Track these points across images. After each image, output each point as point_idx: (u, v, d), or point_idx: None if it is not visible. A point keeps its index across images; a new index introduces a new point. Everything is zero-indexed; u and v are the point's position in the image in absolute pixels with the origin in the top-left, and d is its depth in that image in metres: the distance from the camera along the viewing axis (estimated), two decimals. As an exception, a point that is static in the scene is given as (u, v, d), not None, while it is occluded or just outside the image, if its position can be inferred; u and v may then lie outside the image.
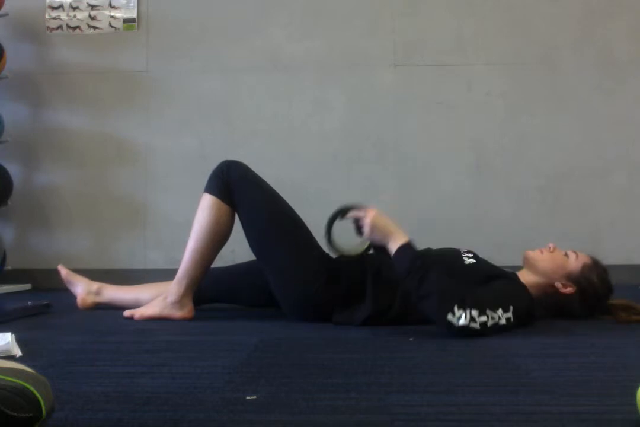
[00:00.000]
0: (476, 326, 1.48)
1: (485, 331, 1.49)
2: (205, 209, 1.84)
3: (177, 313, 1.85)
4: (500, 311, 1.53)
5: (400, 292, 1.70)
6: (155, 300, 1.90)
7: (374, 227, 1.62)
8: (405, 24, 3.16)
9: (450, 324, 1.47)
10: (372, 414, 0.89)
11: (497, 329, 1.52)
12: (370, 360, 1.26)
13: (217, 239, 1.85)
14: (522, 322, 1.62)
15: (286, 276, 1.81)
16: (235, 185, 1.83)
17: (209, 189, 1.86)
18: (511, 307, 1.55)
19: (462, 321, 1.46)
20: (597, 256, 1.82)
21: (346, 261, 1.78)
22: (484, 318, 1.49)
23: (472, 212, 3.06)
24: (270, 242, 1.84)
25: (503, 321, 1.53)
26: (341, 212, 1.68)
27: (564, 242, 1.89)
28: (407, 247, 1.59)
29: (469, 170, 3.10)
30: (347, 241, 1.70)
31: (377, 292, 1.73)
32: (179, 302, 1.85)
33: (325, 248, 1.77)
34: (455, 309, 1.46)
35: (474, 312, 1.48)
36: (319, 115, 3.15)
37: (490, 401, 0.95)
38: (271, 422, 0.86)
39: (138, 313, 1.87)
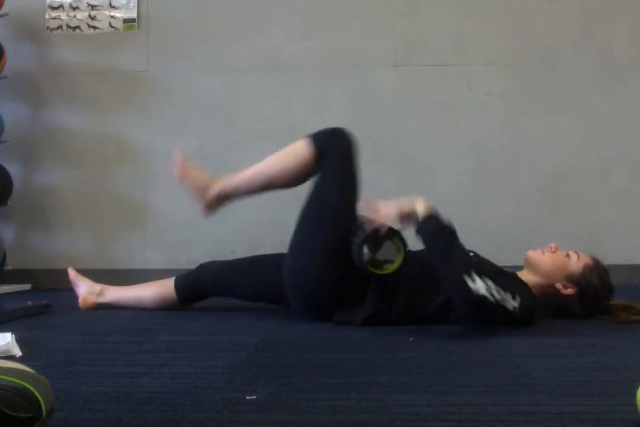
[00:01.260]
0: (486, 293, 1.49)
1: (497, 307, 1.51)
2: (296, 151, 1.84)
3: (207, 198, 1.86)
4: (509, 296, 1.55)
5: (401, 294, 1.70)
6: (211, 178, 1.90)
7: (393, 205, 1.65)
8: (405, 24, 3.16)
9: (465, 286, 1.48)
10: (372, 414, 0.89)
11: (502, 312, 1.53)
12: (370, 360, 1.26)
13: (287, 180, 1.85)
14: (526, 318, 1.63)
15: (306, 262, 1.78)
16: (333, 153, 1.81)
17: (313, 138, 1.84)
18: (519, 298, 1.57)
19: (477, 284, 1.49)
20: (597, 256, 1.82)
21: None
22: (497, 294, 1.51)
23: (472, 212, 3.06)
24: (317, 221, 1.81)
25: (509, 306, 1.54)
26: (370, 238, 1.67)
27: (564, 242, 1.89)
28: (439, 215, 1.64)
29: (469, 170, 3.10)
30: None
31: (377, 294, 1.72)
32: (217, 196, 1.86)
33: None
34: (474, 274, 1.50)
35: (490, 282, 1.51)
36: (319, 115, 3.15)
37: (490, 401, 0.95)
38: (271, 422, 0.86)
39: (183, 159, 1.89)
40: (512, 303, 1.54)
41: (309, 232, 1.81)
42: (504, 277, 1.68)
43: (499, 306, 1.51)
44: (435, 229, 1.60)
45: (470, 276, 1.49)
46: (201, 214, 1.91)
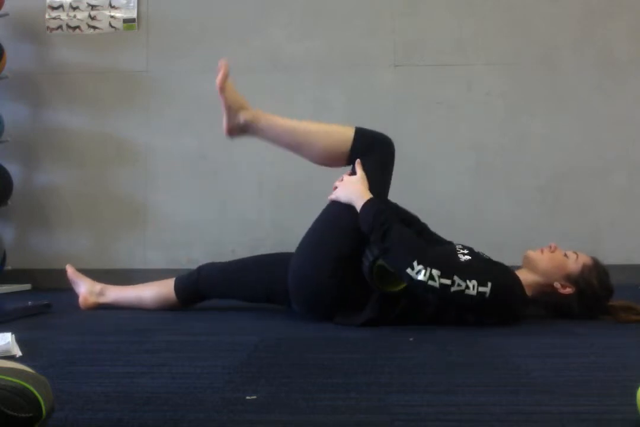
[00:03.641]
0: (435, 284, 1.53)
1: (446, 293, 1.54)
2: (340, 131, 1.85)
3: (233, 121, 1.85)
4: (473, 282, 1.55)
5: (402, 301, 1.69)
6: (246, 101, 1.89)
7: (340, 194, 1.76)
8: (405, 24, 3.16)
9: (410, 277, 1.55)
10: (372, 414, 0.89)
11: (463, 298, 1.55)
12: (370, 360, 1.26)
13: (313, 152, 1.85)
14: (503, 305, 1.62)
15: (313, 266, 1.77)
16: (373, 158, 1.83)
17: (363, 132, 1.84)
18: (489, 284, 1.56)
19: (420, 276, 1.53)
20: (597, 256, 1.82)
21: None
22: (446, 281, 1.53)
23: (472, 212, 3.06)
24: (335, 226, 1.79)
25: (472, 292, 1.54)
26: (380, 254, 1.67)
27: (564, 242, 1.89)
28: (371, 203, 1.68)
29: (469, 170, 3.10)
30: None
31: (379, 300, 1.71)
32: (243, 124, 1.86)
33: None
34: (415, 263, 1.54)
35: (435, 271, 1.53)
36: (319, 115, 3.14)
37: (490, 401, 0.95)
38: (271, 422, 0.86)
39: (226, 67, 1.84)
40: (477, 289, 1.55)
41: (323, 236, 1.80)
42: (481, 264, 1.67)
43: (446, 291, 1.53)
44: (369, 221, 1.64)
45: (411, 266, 1.54)
46: (224, 134, 1.87)
